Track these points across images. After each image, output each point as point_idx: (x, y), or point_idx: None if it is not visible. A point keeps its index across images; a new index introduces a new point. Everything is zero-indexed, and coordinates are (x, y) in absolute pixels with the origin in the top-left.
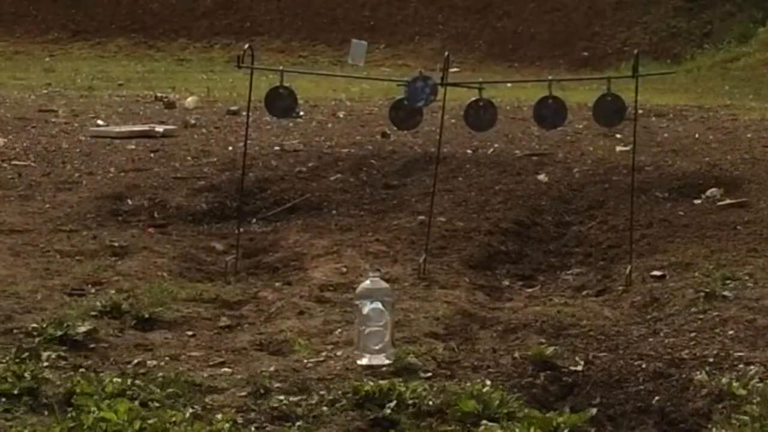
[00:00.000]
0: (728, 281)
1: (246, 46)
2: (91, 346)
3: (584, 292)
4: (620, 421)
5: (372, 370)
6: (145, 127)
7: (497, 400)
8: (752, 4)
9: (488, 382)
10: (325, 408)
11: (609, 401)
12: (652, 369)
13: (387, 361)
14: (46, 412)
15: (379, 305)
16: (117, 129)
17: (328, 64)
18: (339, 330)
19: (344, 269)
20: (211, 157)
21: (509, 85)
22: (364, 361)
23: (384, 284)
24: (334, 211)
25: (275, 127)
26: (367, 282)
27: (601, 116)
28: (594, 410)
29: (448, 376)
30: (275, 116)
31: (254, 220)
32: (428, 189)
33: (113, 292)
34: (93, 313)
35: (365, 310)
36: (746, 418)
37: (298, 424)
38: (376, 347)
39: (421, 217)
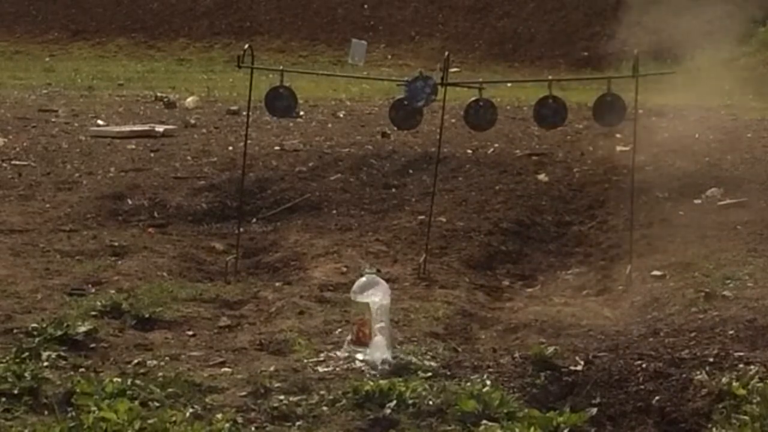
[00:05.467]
0: (728, 281)
1: (246, 46)
2: (91, 346)
3: (584, 292)
4: (620, 421)
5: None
6: (146, 127)
7: (497, 400)
8: (752, 3)
9: (488, 382)
10: (325, 408)
11: (609, 401)
12: (652, 369)
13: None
14: (46, 412)
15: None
16: (117, 129)
17: (328, 64)
18: (339, 330)
19: (344, 269)
20: (211, 157)
21: (509, 84)
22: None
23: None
24: (334, 211)
25: (275, 127)
26: (362, 279)
27: (602, 116)
28: (594, 410)
29: (448, 376)
30: (275, 116)
31: (254, 220)
32: (428, 189)
33: (113, 291)
34: (93, 313)
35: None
36: (746, 418)
37: (298, 424)
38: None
39: (421, 217)
